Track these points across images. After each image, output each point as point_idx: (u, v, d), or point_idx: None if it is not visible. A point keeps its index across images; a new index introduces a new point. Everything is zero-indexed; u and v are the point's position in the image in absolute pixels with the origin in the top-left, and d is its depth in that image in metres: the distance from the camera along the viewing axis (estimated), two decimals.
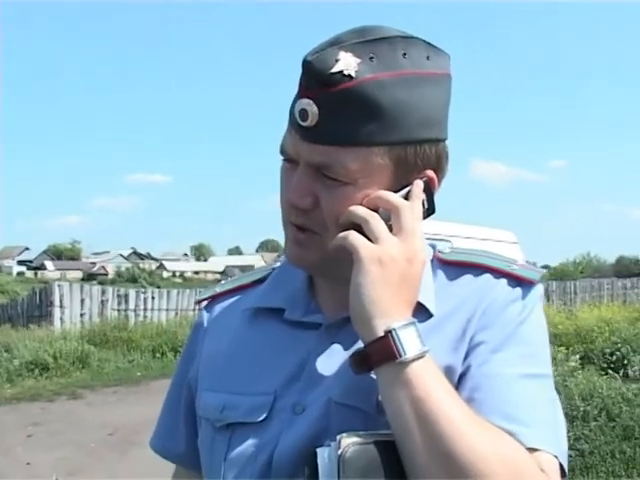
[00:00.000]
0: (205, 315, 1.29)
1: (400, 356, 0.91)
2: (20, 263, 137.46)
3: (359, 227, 0.99)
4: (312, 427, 1.02)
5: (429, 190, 1.06)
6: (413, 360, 0.92)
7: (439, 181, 1.08)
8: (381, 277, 0.95)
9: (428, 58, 1.03)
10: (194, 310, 17.56)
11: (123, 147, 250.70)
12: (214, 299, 1.30)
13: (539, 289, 1.10)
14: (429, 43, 1.05)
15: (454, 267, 1.12)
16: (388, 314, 0.94)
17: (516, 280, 1.09)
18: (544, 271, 1.13)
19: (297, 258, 1.09)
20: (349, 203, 1.01)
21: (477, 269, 1.11)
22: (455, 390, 0.95)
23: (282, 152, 1.07)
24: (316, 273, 1.15)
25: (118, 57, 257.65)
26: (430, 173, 1.05)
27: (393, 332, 0.92)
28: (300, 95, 1.01)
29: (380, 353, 0.93)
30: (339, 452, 0.89)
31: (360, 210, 1.00)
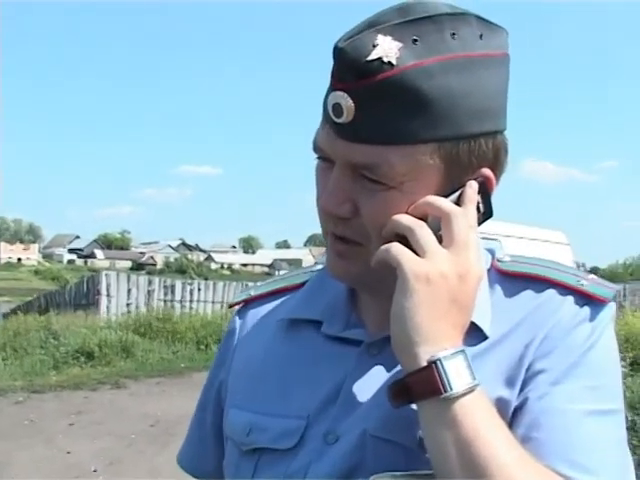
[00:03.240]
0: (237, 321, 1.18)
1: (445, 391, 0.79)
2: (71, 251, 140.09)
3: (405, 238, 0.87)
4: (345, 461, 0.91)
5: (485, 191, 0.93)
6: (461, 396, 0.80)
7: (497, 179, 0.94)
8: (428, 298, 0.82)
9: (481, 37, 0.89)
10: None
11: (173, 139, 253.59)
12: (248, 303, 1.19)
13: (611, 309, 0.95)
14: (482, 18, 0.90)
15: (514, 280, 0.99)
16: (434, 341, 0.82)
17: (585, 298, 0.95)
18: (618, 287, 0.99)
19: (339, 272, 0.97)
20: (393, 210, 0.88)
21: (540, 283, 0.97)
22: (509, 427, 0.83)
23: (315, 149, 0.94)
24: (361, 288, 1.03)
25: (168, 47, 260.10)
26: (486, 172, 0.92)
27: (438, 363, 0.80)
28: (333, 87, 0.88)
29: (422, 386, 0.81)
30: None
31: (405, 219, 0.87)
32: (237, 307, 1.21)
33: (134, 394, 10.32)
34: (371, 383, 0.95)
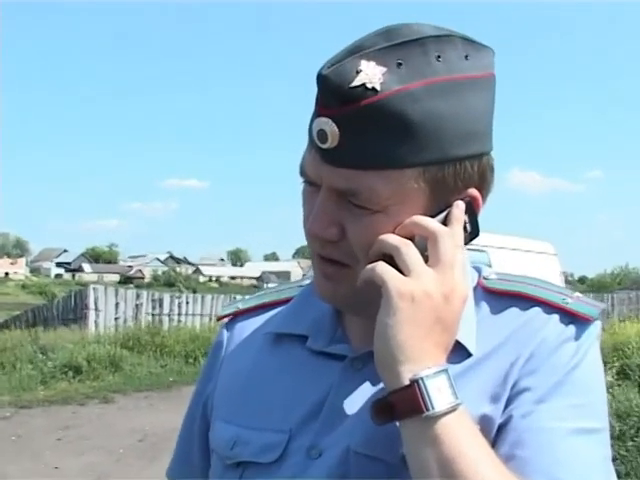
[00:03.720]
0: (225, 334, 1.18)
1: (427, 410, 0.80)
2: (58, 265, 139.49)
3: (392, 258, 0.87)
4: (328, 476, 0.91)
5: (472, 211, 0.94)
6: (442, 415, 0.80)
7: (484, 198, 0.95)
8: (411, 316, 0.83)
9: (467, 58, 0.89)
10: None
11: (157, 153, 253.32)
12: (236, 316, 1.19)
13: (596, 327, 0.96)
14: (467, 38, 0.90)
15: (500, 298, 0.99)
16: (416, 360, 0.82)
17: (570, 316, 0.95)
18: (604, 306, 1.00)
19: (326, 294, 0.97)
20: (380, 232, 0.89)
21: (526, 301, 0.97)
22: (492, 445, 0.84)
23: (302, 173, 0.94)
24: (347, 310, 1.02)
25: (154, 59, 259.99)
26: (473, 192, 0.93)
27: (420, 381, 0.80)
28: (317, 113, 0.88)
29: (404, 405, 0.81)
30: None
31: (391, 238, 0.88)
32: (225, 320, 1.21)
33: (122, 408, 10.29)
34: (355, 398, 0.96)
